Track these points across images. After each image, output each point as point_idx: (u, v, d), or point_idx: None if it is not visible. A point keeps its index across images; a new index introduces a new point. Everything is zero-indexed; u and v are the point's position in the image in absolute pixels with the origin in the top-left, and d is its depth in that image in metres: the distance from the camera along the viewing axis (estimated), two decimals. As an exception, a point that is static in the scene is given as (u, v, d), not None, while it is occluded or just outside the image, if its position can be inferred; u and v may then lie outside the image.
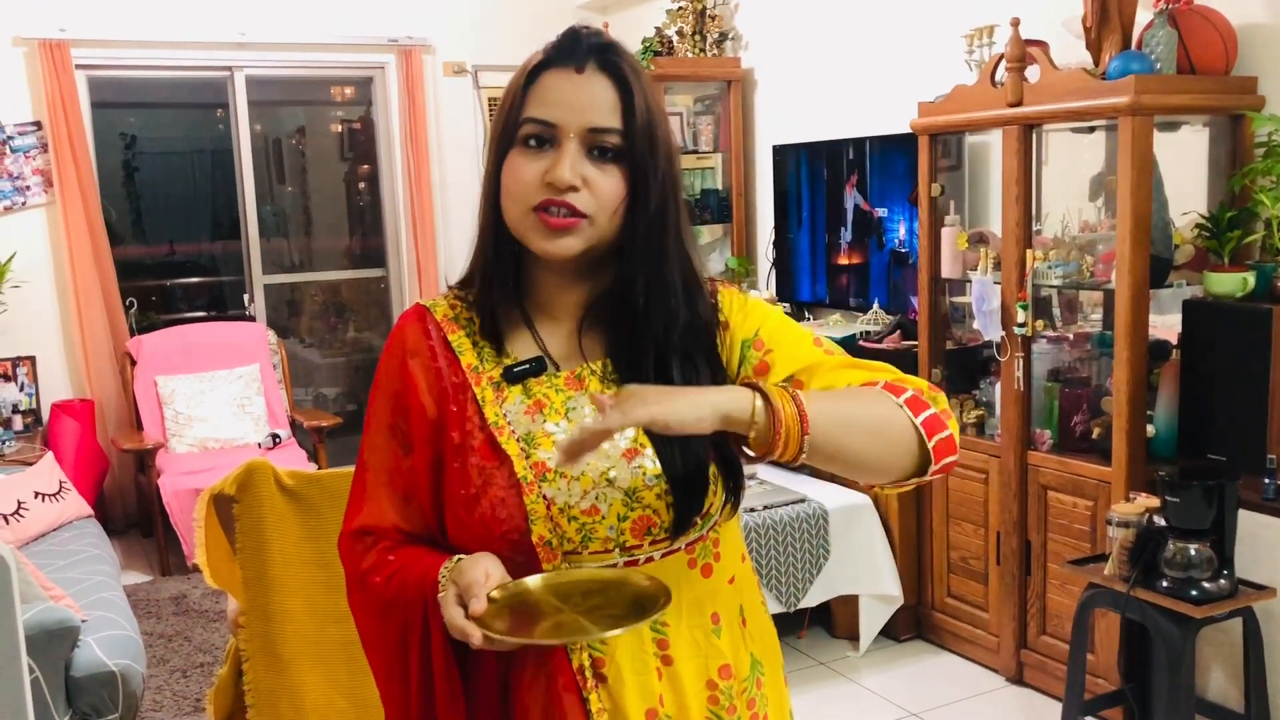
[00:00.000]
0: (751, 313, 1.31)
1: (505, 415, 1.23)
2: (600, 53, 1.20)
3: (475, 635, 1.07)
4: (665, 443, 1.20)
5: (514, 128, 1.21)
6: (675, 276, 1.24)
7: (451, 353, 1.27)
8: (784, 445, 1.07)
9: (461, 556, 1.17)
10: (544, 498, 1.19)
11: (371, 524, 1.27)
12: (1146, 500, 2.92)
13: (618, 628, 1.09)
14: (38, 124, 5.32)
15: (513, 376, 1.25)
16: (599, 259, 1.24)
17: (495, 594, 1.12)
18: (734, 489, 1.26)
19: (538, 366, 1.26)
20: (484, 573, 1.11)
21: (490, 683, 1.22)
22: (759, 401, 1.07)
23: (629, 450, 1.22)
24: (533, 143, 1.19)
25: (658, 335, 1.23)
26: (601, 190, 1.19)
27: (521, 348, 1.27)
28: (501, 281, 1.26)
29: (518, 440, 1.22)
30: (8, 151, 5.28)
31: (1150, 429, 3.22)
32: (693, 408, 1.04)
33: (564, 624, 1.10)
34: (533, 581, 1.15)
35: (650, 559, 1.21)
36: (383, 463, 1.27)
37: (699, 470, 1.21)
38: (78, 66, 5.36)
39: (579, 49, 1.21)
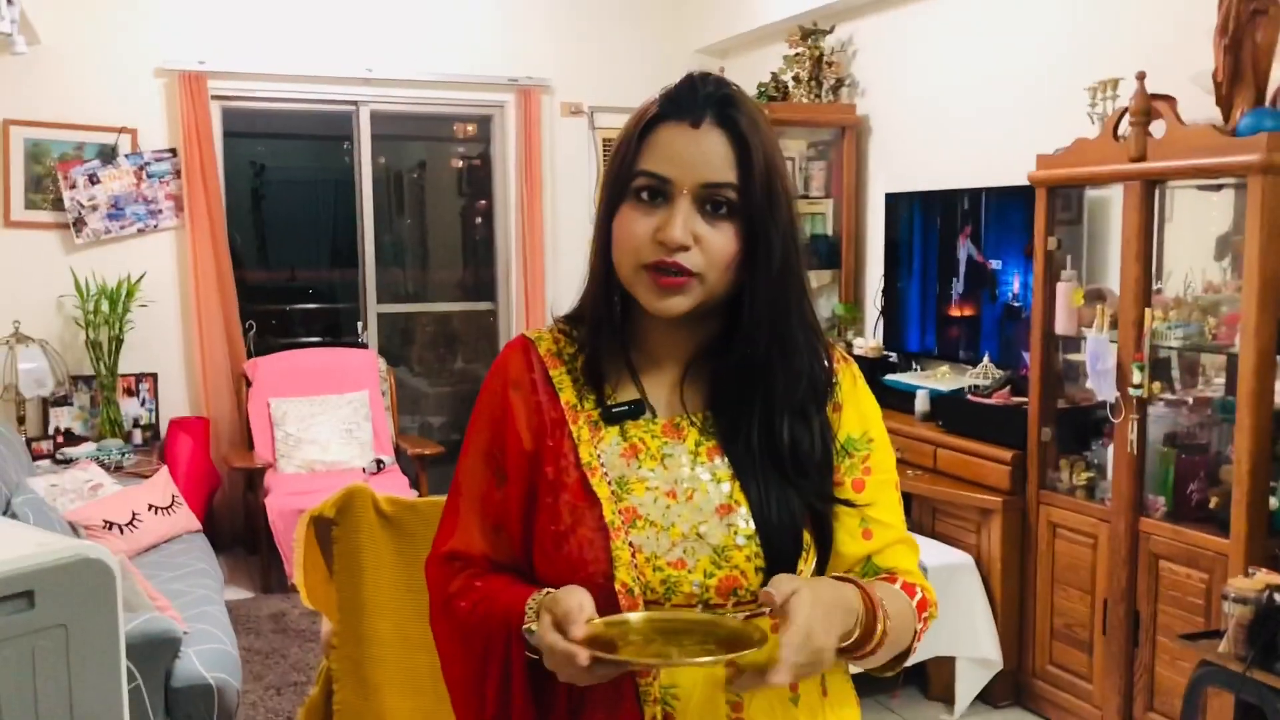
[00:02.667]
0: (865, 406, 1.31)
1: (600, 456, 1.22)
2: (718, 106, 1.18)
3: (582, 655, 1.04)
4: (763, 501, 1.19)
5: (627, 178, 1.19)
6: (799, 333, 1.23)
7: (552, 388, 1.26)
8: (873, 646, 1.15)
9: (550, 590, 1.16)
10: (630, 544, 1.18)
11: (461, 549, 1.27)
12: (1267, 576, 2.77)
13: (713, 656, 1.07)
14: (173, 151, 5.56)
15: (611, 417, 1.24)
16: (708, 311, 1.22)
17: (596, 622, 1.11)
18: (825, 555, 1.24)
19: (636, 409, 1.25)
20: (578, 604, 1.09)
21: None
22: (863, 609, 1.14)
23: (722, 506, 1.20)
24: (645, 196, 1.18)
25: (772, 391, 1.22)
26: (713, 248, 1.17)
27: (623, 391, 1.26)
28: (609, 326, 1.26)
29: (610, 483, 1.21)
30: (144, 177, 5.53)
31: (1273, 501, 3.07)
32: (829, 632, 1.08)
33: (662, 653, 1.09)
34: (634, 616, 1.14)
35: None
36: (476, 490, 1.27)
37: (793, 534, 1.20)
38: (213, 97, 5.60)
39: (695, 102, 1.18)
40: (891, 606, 1.17)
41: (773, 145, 1.20)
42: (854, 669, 1.29)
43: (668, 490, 1.20)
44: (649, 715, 1.17)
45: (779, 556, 1.18)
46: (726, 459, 1.22)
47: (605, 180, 1.24)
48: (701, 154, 1.17)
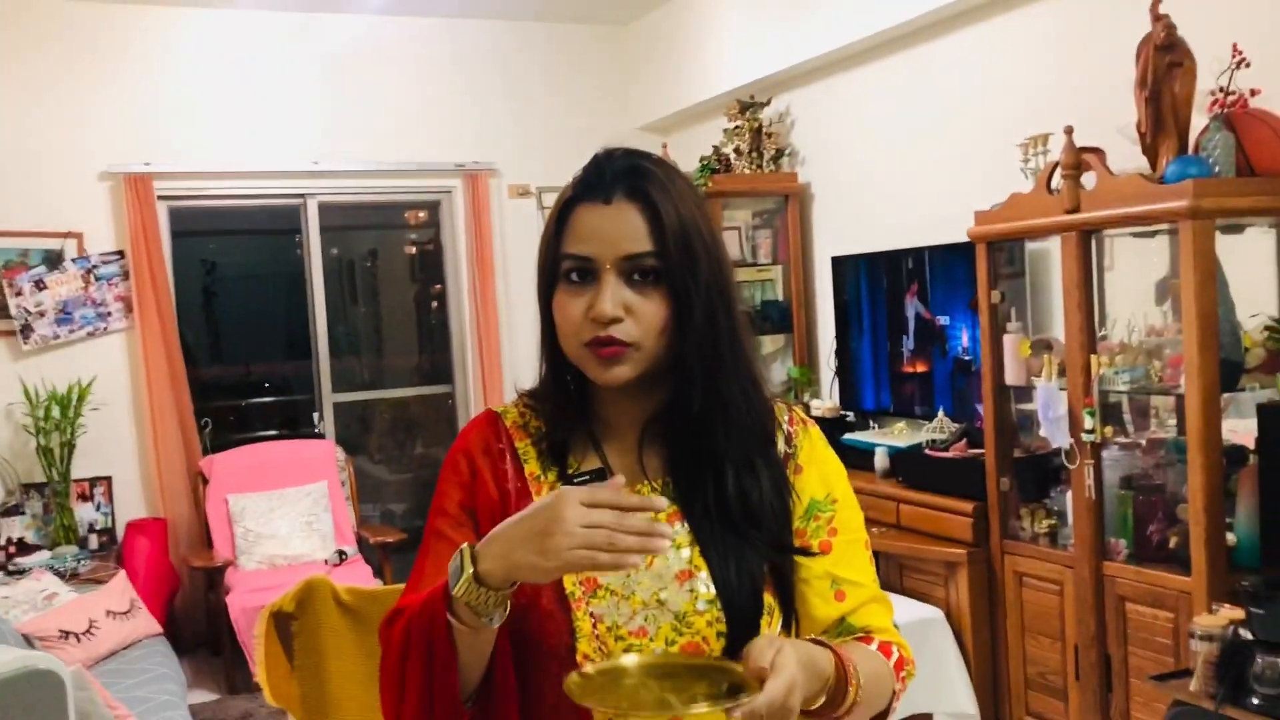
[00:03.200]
0: (827, 467, 1.32)
1: None
2: (626, 179, 1.21)
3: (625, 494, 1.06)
4: (722, 564, 1.20)
5: (555, 263, 1.23)
6: (731, 384, 1.24)
7: (517, 460, 1.28)
8: (842, 711, 1.16)
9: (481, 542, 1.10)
10: (591, 615, 1.18)
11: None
12: (1230, 612, 2.80)
13: (700, 705, 1.06)
14: (120, 253, 5.54)
15: (572, 485, 1.25)
16: (657, 375, 1.24)
17: (589, 669, 1.11)
18: (788, 617, 1.24)
19: (597, 477, 1.25)
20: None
21: None
22: (834, 673, 1.16)
23: (682, 572, 1.20)
24: (574, 277, 1.21)
25: (716, 447, 1.23)
26: (643, 315, 1.19)
27: (587, 462, 1.28)
28: (565, 402, 1.28)
29: None
30: (93, 280, 5.50)
31: (1231, 537, 3.11)
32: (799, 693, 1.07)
33: (659, 699, 1.08)
34: (629, 660, 1.14)
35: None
36: (447, 548, 1.21)
37: (754, 595, 1.20)
38: (160, 198, 5.61)
39: (604, 180, 1.22)
40: (865, 668, 1.18)
41: (688, 206, 1.23)
42: None
43: None
44: None
45: (740, 619, 1.18)
46: (685, 524, 1.23)
47: (538, 268, 1.27)
48: (617, 228, 1.19)
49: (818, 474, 1.30)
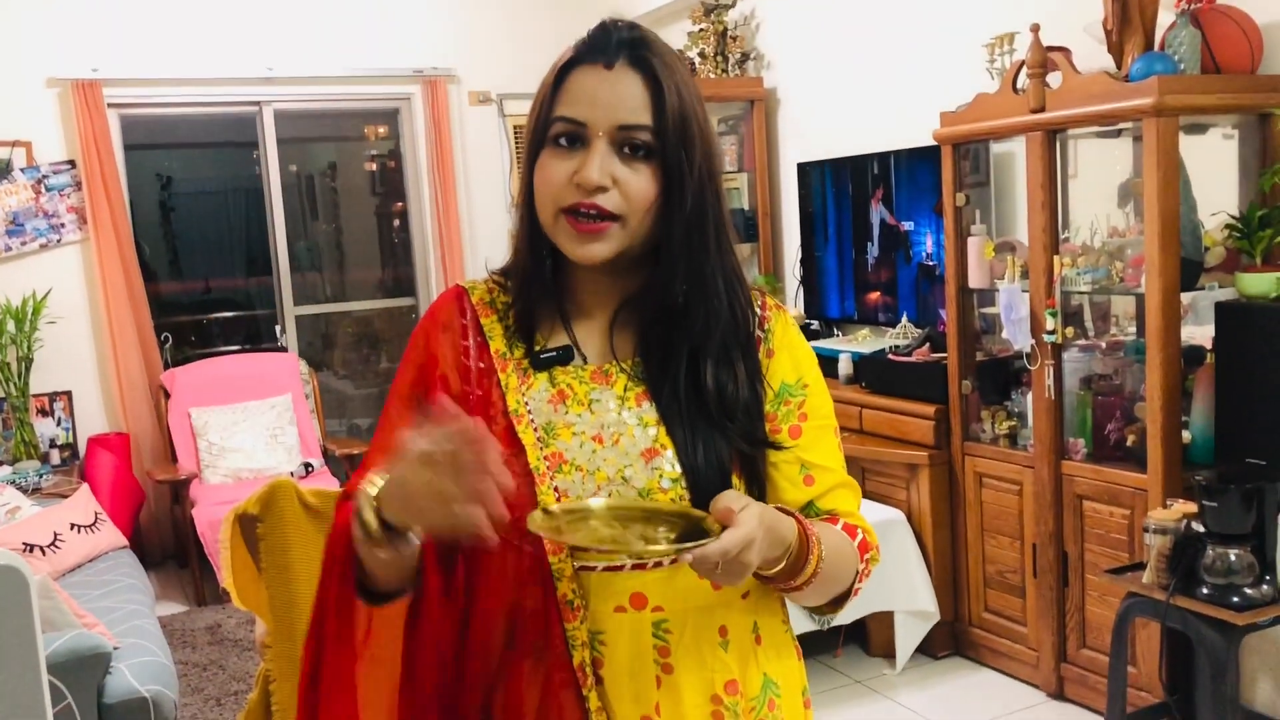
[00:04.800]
0: (799, 352, 1.30)
1: (527, 404, 1.22)
2: (631, 48, 1.17)
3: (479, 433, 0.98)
4: (689, 445, 1.19)
5: (545, 127, 1.18)
6: (715, 275, 1.22)
7: (482, 335, 1.26)
8: (801, 581, 1.16)
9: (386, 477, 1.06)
10: (555, 489, 1.17)
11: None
12: (1184, 506, 2.86)
13: (658, 544, 1.07)
14: (71, 163, 5.41)
15: (539, 363, 1.24)
16: (635, 258, 1.21)
17: (555, 507, 1.11)
18: (758, 498, 1.22)
19: (565, 355, 1.24)
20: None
21: (483, 669, 1.18)
22: (797, 542, 1.15)
23: (648, 450, 1.20)
24: (563, 141, 1.17)
25: (694, 335, 1.21)
26: (632, 190, 1.16)
27: (554, 340, 1.26)
28: (537, 281, 1.25)
29: (535, 430, 1.20)
30: (43, 190, 5.37)
31: (1186, 435, 3.16)
32: (759, 553, 1.07)
33: (620, 539, 1.08)
34: (595, 502, 1.14)
35: (659, 564, 1.18)
36: (390, 431, 1.21)
37: (721, 476, 1.19)
38: (110, 105, 5.46)
39: (609, 44, 1.17)
40: (829, 543, 1.18)
41: (688, 88, 1.19)
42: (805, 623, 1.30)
43: (594, 435, 1.20)
44: (579, 659, 1.16)
45: (706, 500, 1.17)
46: (654, 404, 1.22)
47: (527, 132, 1.22)
48: (616, 95, 1.16)
49: (789, 358, 1.29)
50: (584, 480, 1.18)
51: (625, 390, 1.23)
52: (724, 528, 1.05)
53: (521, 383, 1.23)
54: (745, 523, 1.04)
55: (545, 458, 1.19)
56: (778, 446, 1.25)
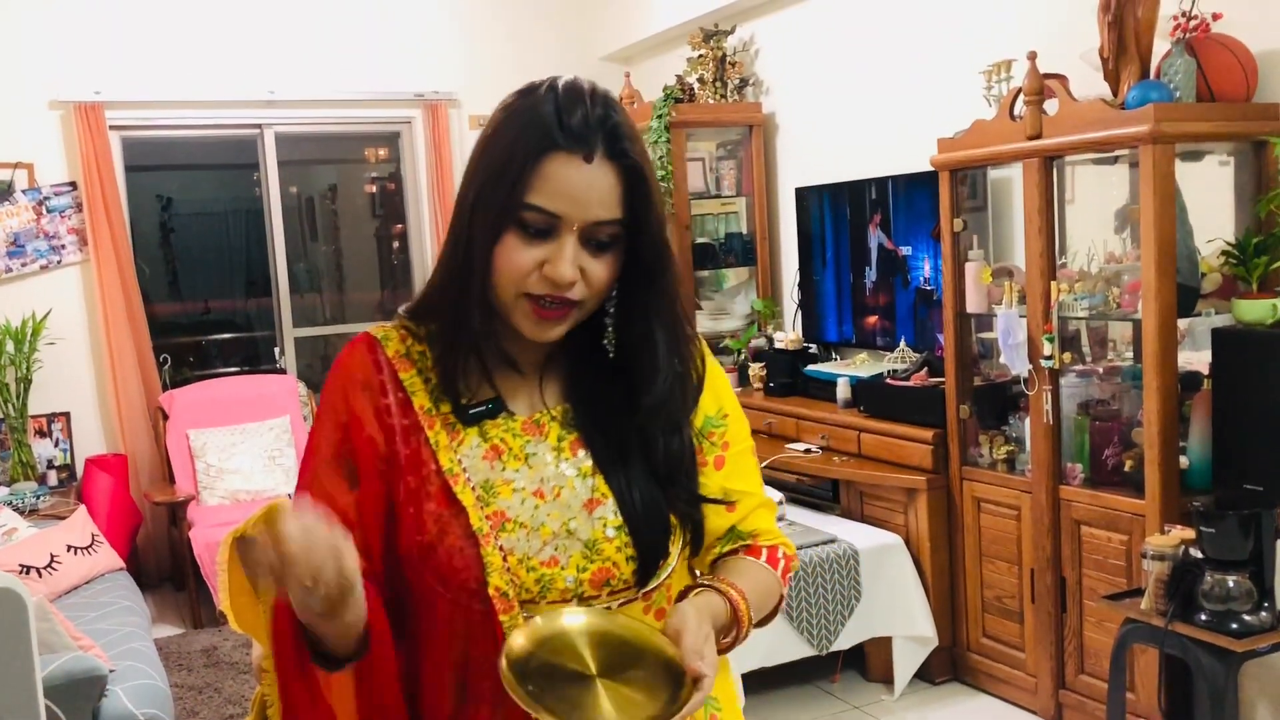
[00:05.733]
0: (717, 382, 1.33)
1: (461, 461, 1.19)
2: (609, 140, 1.14)
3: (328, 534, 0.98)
4: (627, 492, 1.20)
5: (514, 206, 1.13)
6: (661, 334, 1.22)
7: (403, 391, 1.21)
8: (734, 641, 1.23)
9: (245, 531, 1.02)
10: (500, 549, 1.16)
11: None
12: (1182, 532, 2.86)
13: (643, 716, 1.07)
14: (73, 184, 5.43)
15: (468, 419, 1.21)
16: None
17: (519, 640, 1.09)
18: (694, 536, 1.27)
19: (495, 408, 1.22)
20: (334, 551, 0.99)
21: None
22: (730, 618, 1.22)
23: (590, 501, 1.20)
24: (532, 230, 1.14)
25: (642, 399, 1.22)
26: (596, 280, 1.16)
27: (479, 391, 1.23)
28: (464, 337, 1.20)
29: (474, 488, 1.18)
30: (44, 211, 5.39)
31: (1184, 460, 3.16)
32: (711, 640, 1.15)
33: (585, 704, 1.07)
34: (571, 622, 1.13)
35: (608, 608, 1.19)
36: (321, 494, 1.17)
37: (660, 520, 1.22)
38: (112, 127, 5.48)
39: (587, 132, 1.13)
40: (755, 594, 1.24)
41: (651, 168, 1.20)
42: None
43: (534, 490, 1.20)
44: None
45: (648, 543, 1.20)
46: (588, 451, 1.22)
47: (486, 194, 1.15)
48: (594, 191, 1.13)
49: (710, 391, 1.31)
50: (529, 537, 1.18)
51: (560, 440, 1.23)
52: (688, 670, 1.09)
53: (451, 439, 1.20)
54: (711, 661, 1.10)
55: (487, 517, 1.17)
56: (721, 502, 1.29)
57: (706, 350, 1.34)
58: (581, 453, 1.22)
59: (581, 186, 1.13)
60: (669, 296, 1.22)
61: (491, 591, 1.15)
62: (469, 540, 1.15)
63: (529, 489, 1.19)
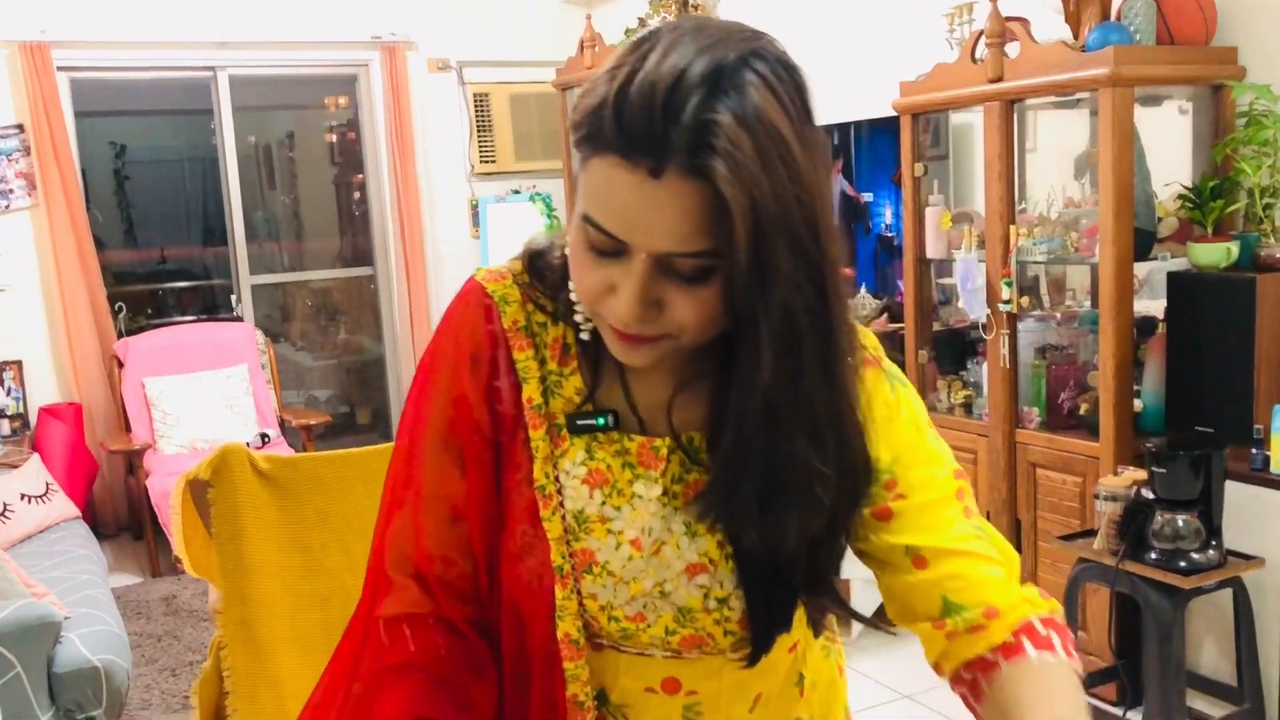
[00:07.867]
0: (898, 422, 1.02)
1: (557, 479, 1.00)
2: (691, 150, 0.79)
3: None
4: (755, 583, 0.98)
5: (580, 210, 0.87)
6: (806, 431, 0.89)
7: (515, 375, 1.00)
8: None
9: None
10: (578, 593, 1.00)
11: (427, 569, 1.02)
12: (1134, 473, 2.90)
13: None
14: (20, 127, 5.29)
15: (576, 428, 1.01)
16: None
17: None
18: (816, 620, 1.05)
19: (607, 424, 1.00)
20: None
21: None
22: None
23: (693, 566, 0.99)
24: (597, 248, 0.87)
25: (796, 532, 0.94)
26: (684, 315, 0.87)
27: (604, 392, 1.01)
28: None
29: (564, 518, 1.00)
30: (-9, 155, 5.26)
31: (1138, 403, 3.20)
32: None
33: None
34: None
35: (698, 653, 1.03)
36: (437, 483, 1.01)
37: (785, 616, 1.00)
38: (59, 68, 5.34)
39: (655, 136, 0.80)
40: None
41: (784, 186, 0.81)
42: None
43: (632, 539, 1.00)
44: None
45: (760, 635, 1.00)
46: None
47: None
48: (662, 220, 0.82)
49: (881, 425, 1.00)
50: (616, 588, 1.00)
51: (674, 482, 1.00)
52: None
53: (555, 447, 1.01)
54: None
55: (572, 554, 1.00)
56: (851, 613, 1.05)
57: (883, 375, 1.05)
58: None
59: (643, 209, 0.82)
60: (825, 356, 0.88)
61: (560, 635, 1.00)
62: (548, 572, 0.99)
63: (626, 536, 1.00)
